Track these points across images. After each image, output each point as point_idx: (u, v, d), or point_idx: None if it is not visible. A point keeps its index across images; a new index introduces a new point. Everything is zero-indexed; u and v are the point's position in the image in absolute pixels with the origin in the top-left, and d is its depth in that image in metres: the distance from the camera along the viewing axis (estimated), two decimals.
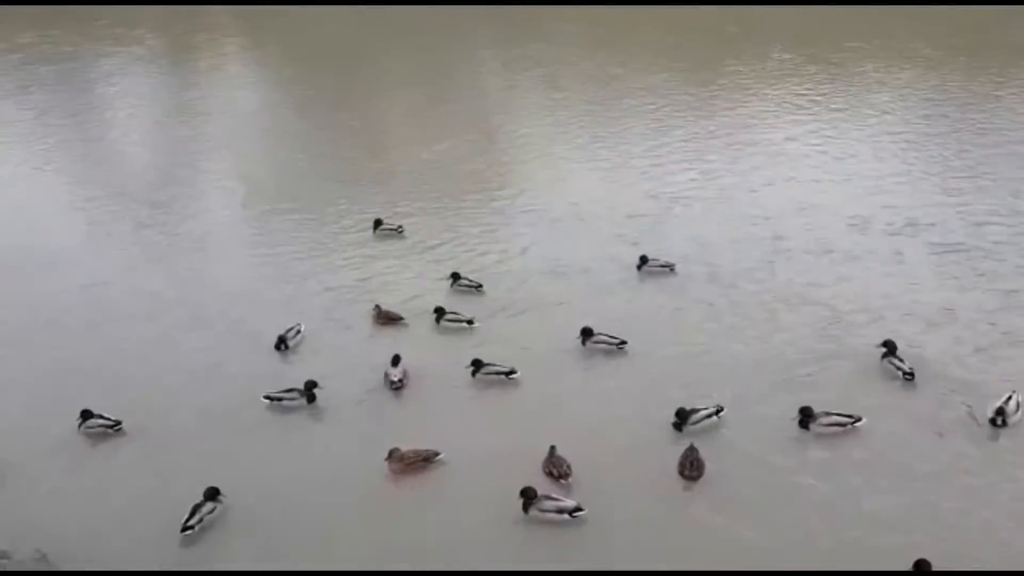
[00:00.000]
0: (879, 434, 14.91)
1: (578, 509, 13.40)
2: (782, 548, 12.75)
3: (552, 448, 14.53)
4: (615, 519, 13.46)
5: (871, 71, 36.75)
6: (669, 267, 20.83)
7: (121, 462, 15.70)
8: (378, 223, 24.58)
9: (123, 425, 16.30)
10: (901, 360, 16.53)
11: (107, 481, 15.26)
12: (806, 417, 14.84)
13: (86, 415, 16.51)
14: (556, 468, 14.25)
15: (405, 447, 14.71)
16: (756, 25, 44.31)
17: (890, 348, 16.82)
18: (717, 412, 15.28)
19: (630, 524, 13.37)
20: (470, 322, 19.35)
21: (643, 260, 20.96)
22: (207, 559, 13.44)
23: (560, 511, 13.37)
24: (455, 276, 21.10)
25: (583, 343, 17.96)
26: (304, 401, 16.75)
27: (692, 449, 14.29)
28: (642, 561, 12.67)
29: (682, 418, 15.11)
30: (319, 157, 31.30)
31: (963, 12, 42.43)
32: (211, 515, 14.09)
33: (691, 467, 14.07)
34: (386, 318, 19.79)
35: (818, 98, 33.91)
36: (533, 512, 13.46)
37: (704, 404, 15.43)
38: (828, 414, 14.88)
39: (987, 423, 14.76)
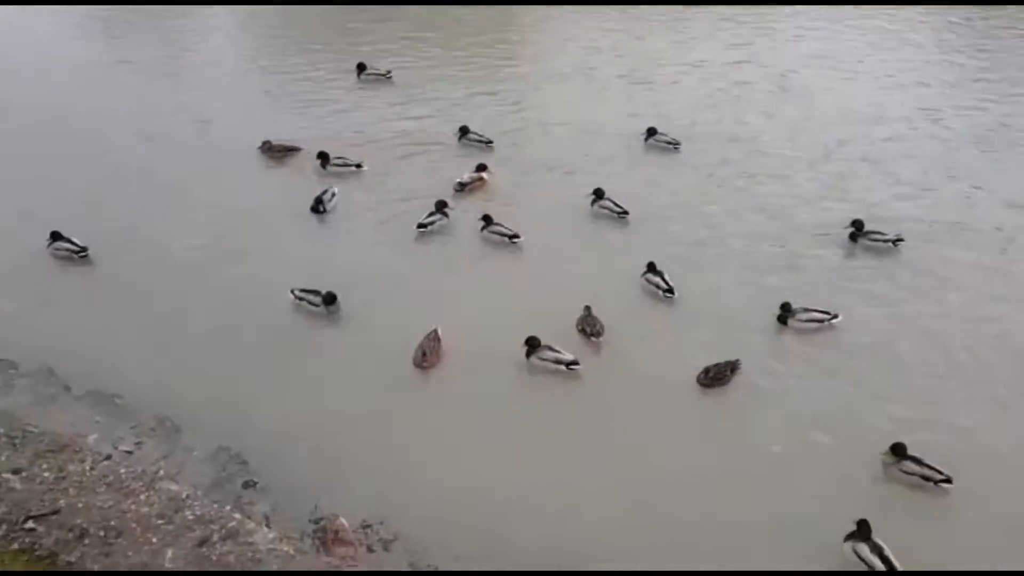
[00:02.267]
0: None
1: (574, 363, 13.81)
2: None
3: (587, 308, 14.78)
4: (606, 373, 13.90)
5: None
6: (674, 144, 20.62)
7: (91, 285, 16.29)
8: (361, 67, 24.17)
9: (88, 252, 16.72)
10: (875, 235, 16.86)
11: (84, 302, 15.76)
12: (785, 312, 14.83)
13: (55, 236, 16.76)
14: (590, 327, 14.57)
15: (421, 346, 14.25)
16: None
17: (858, 227, 16.96)
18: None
19: (621, 379, 13.79)
20: (358, 166, 19.57)
21: (650, 132, 20.80)
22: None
23: (558, 362, 13.81)
24: (463, 130, 20.89)
25: (592, 204, 18.07)
26: (446, 220, 17.57)
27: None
28: (625, 414, 13.13)
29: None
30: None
31: None
32: (312, 305, 15.20)
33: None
34: (282, 149, 20.08)
35: None
36: (534, 360, 13.93)
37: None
38: (807, 310, 14.92)
39: None
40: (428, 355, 13.95)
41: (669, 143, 20.62)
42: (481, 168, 19.22)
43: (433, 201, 18.02)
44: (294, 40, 27.89)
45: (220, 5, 31.03)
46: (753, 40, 27.29)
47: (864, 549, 10.81)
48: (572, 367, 13.79)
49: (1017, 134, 21.29)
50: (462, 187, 18.85)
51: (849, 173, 19.73)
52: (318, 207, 18.17)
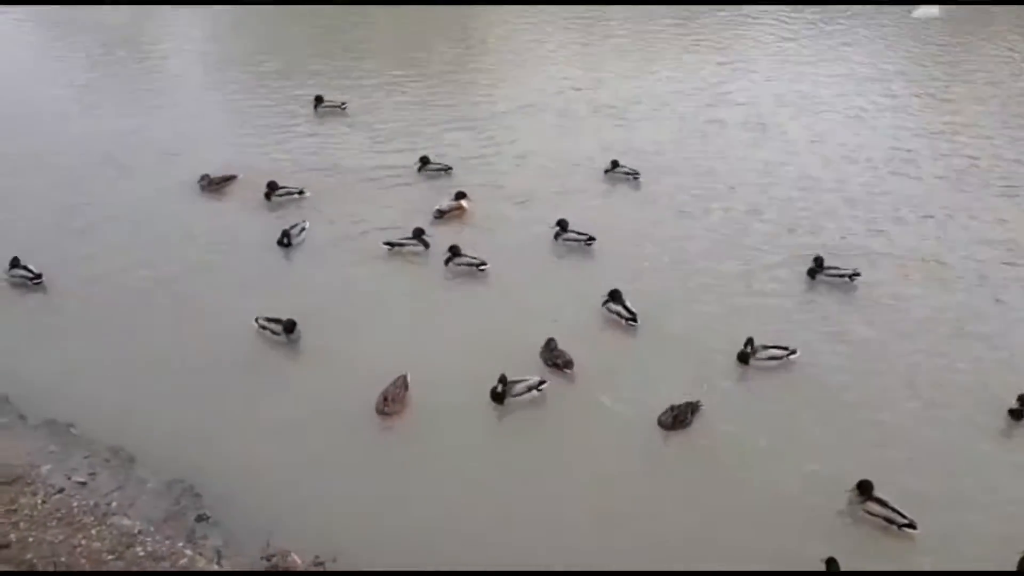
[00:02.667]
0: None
1: (542, 382, 14.13)
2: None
3: (551, 340, 14.91)
4: (569, 411, 14.07)
5: None
6: (634, 174, 20.91)
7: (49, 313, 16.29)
8: (319, 100, 24.30)
9: (43, 279, 16.67)
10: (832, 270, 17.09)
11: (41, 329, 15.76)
12: (746, 350, 14.83)
13: (15, 263, 16.78)
14: (560, 359, 14.72)
15: (384, 392, 14.03)
16: None
17: (818, 263, 17.19)
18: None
19: (585, 417, 13.94)
20: (301, 192, 19.77)
21: (614, 164, 21.06)
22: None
23: (530, 388, 14.06)
24: (424, 160, 21.05)
25: (556, 237, 18.25)
26: (421, 248, 17.71)
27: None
28: (589, 456, 13.22)
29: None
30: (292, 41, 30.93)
31: None
32: (274, 334, 15.28)
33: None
34: (221, 180, 20.09)
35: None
36: (508, 399, 14.00)
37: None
38: (766, 347, 15.03)
39: None
40: (390, 402, 13.88)
41: (628, 173, 20.92)
42: (460, 196, 19.31)
43: (398, 230, 18.27)
44: (268, 71, 27.89)
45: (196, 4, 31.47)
46: (728, 78, 27.65)
47: None
48: (541, 387, 14.06)
49: (987, 173, 21.67)
50: (441, 214, 18.99)
51: (819, 208, 20.03)
52: (284, 240, 18.07)
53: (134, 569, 10.50)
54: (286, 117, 24.24)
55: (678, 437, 13.54)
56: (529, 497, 12.44)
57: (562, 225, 18.31)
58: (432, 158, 21.15)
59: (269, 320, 15.39)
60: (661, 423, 13.65)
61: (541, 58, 29.17)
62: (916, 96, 26.49)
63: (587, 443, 13.42)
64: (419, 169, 20.95)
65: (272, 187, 19.63)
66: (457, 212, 19.14)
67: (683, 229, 19.14)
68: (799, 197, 20.51)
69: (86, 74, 27.64)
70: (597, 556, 11.56)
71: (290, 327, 15.23)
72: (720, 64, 28.80)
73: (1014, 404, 13.88)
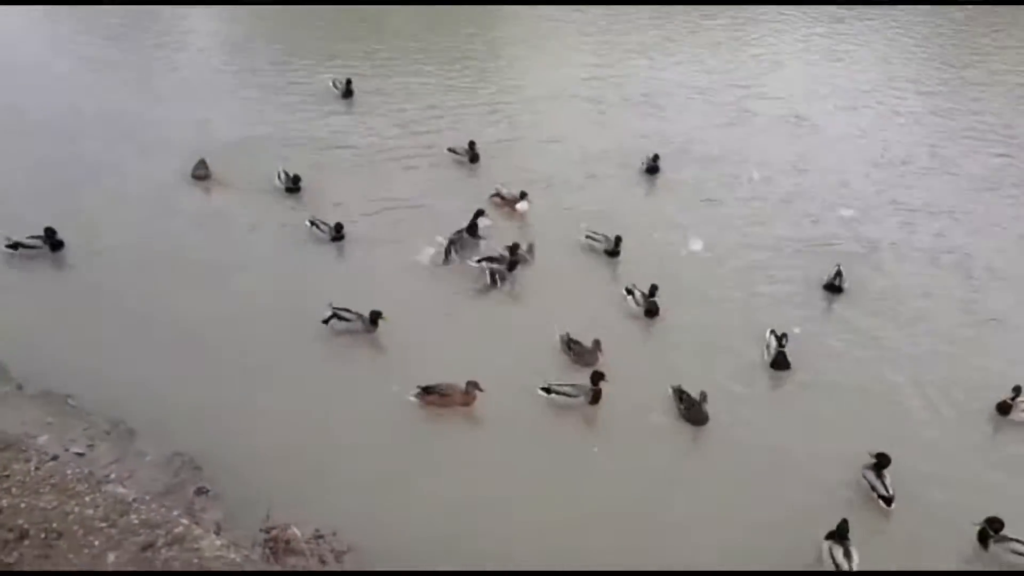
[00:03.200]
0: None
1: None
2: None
3: (576, 341, 14.42)
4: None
5: None
6: (653, 160, 20.43)
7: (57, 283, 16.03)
8: (348, 83, 23.91)
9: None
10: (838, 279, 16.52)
11: (46, 299, 15.47)
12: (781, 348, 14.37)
13: (50, 233, 16.52)
14: (585, 351, 14.33)
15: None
16: None
17: (839, 276, 16.55)
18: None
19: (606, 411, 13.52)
20: (296, 180, 19.10)
21: (655, 158, 20.44)
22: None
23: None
24: (471, 146, 20.68)
25: (609, 253, 17.37)
26: (465, 236, 17.23)
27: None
28: (609, 446, 12.87)
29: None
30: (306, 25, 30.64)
31: None
32: (346, 320, 14.73)
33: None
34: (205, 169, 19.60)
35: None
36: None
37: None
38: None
39: None
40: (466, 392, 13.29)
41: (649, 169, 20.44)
42: (523, 195, 18.53)
43: (420, 209, 18.38)
44: (290, 53, 27.60)
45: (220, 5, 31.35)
46: (762, 71, 27.30)
47: (838, 551, 10.95)
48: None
49: (1020, 172, 21.21)
50: (497, 195, 18.71)
51: (850, 203, 19.63)
52: (339, 234, 17.36)
53: (128, 535, 10.11)
54: (311, 99, 23.92)
55: (694, 434, 13.14)
56: (532, 489, 12.01)
57: (618, 241, 17.27)
58: (459, 144, 20.75)
59: (342, 309, 14.74)
60: (686, 418, 13.25)
61: (570, 47, 28.83)
62: (950, 93, 26.01)
63: (602, 436, 13.05)
64: (472, 158, 20.44)
65: (296, 180, 19.00)
66: (508, 206, 18.53)
67: (711, 219, 18.73)
68: (830, 191, 20.13)
69: (106, 51, 27.37)
70: (599, 555, 11.12)
71: (375, 318, 14.65)
72: (754, 56, 28.46)
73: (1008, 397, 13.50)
